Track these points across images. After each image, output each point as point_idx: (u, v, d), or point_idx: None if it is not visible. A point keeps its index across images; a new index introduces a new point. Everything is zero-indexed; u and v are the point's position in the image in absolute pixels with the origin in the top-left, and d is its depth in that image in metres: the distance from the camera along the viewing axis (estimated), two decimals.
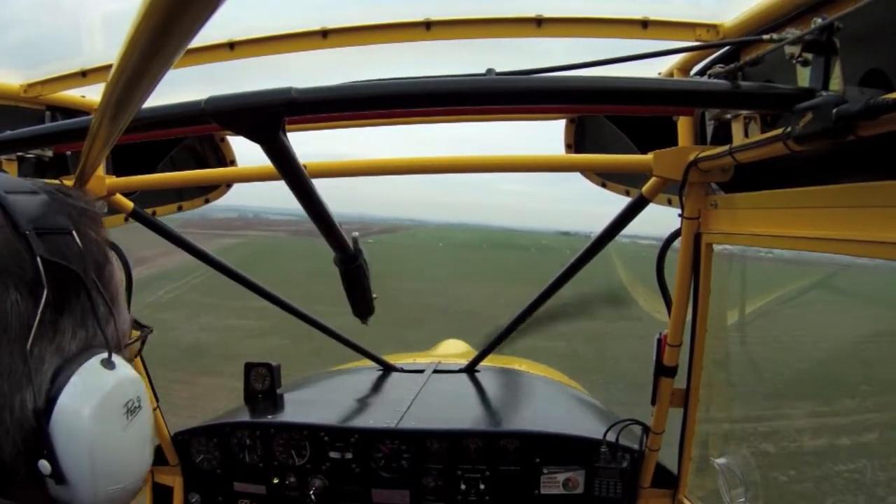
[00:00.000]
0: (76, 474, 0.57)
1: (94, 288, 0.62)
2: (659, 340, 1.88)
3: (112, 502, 0.61)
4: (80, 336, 0.61)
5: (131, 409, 0.63)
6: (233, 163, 2.26)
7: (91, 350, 0.61)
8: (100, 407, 0.59)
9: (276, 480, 2.19)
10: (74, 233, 0.62)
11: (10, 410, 0.55)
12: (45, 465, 0.56)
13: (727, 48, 1.42)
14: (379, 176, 1.87)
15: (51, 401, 0.57)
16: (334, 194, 1.57)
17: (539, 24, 1.51)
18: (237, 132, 1.12)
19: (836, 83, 0.98)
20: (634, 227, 1.97)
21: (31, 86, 1.73)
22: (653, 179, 1.72)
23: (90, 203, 0.68)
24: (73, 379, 0.58)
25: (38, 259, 0.56)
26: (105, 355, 0.62)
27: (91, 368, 0.60)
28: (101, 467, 0.59)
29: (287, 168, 1.23)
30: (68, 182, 1.34)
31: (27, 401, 0.56)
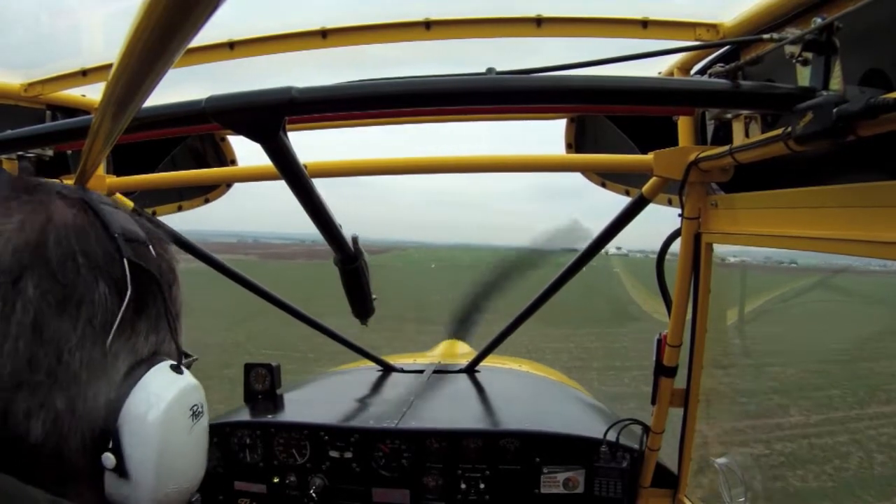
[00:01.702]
0: (140, 471, 0.59)
1: (169, 299, 0.65)
2: (659, 341, 1.88)
3: (168, 502, 0.63)
4: (152, 340, 0.63)
5: (196, 414, 0.66)
6: (233, 162, 2.26)
7: (160, 356, 0.64)
8: (170, 407, 0.61)
9: (276, 480, 2.20)
10: (150, 247, 0.65)
11: (83, 402, 0.56)
12: (109, 458, 0.58)
13: (727, 48, 1.42)
14: (379, 176, 1.87)
15: (122, 397, 0.59)
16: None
17: (539, 24, 1.51)
18: (237, 131, 1.12)
19: (836, 83, 0.98)
20: (651, 243, 1.95)
21: (31, 85, 1.73)
22: (653, 179, 1.72)
23: (159, 228, 0.71)
24: (145, 378, 0.61)
25: (125, 261, 0.60)
26: (173, 361, 0.65)
27: (162, 371, 0.63)
28: (165, 466, 0.61)
29: (287, 168, 1.23)
30: (68, 181, 1.34)
31: (100, 394, 0.58)
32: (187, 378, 0.65)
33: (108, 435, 0.58)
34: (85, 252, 0.58)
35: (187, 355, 0.72)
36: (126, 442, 0.58)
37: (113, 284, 0.58)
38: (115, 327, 0.58)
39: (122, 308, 0.58)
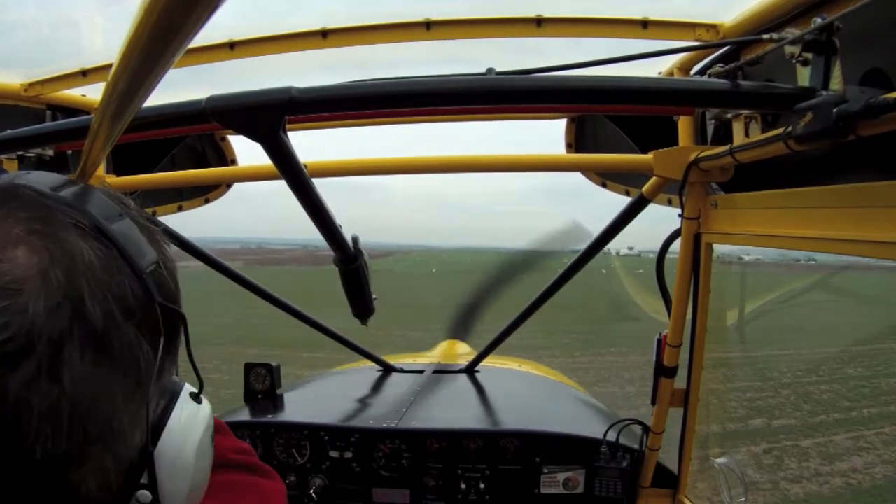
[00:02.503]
0: (172, 499, 0.59)
1: (188, 330, 0.63)
2: (659, 341, 1.88)
3: None
4: (173, 371, 0.63)
5: (212, 436, 0.66)
6: (233, 162, 2.26)
7: (178, 383, 0.64)
8: (200, 437, 0.62)
9: None
10: (160, 263, 0.59)
11: (126, 448, 0.55)
12: (145, 494, 0.57)
13: (727, 48, 1.42)
14: (379, 175, 1.87)
15: (156, 435, 0.58)
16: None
17: (539, 24, 1.51)
18: (238, 131, 1.12)
19: (836, 83, 0.98)
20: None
21: (31, 85, 1.73)
22: (653, 179, 1.72)
23: (146, 214, 0.66)
24: (174, 412, 0.60)
25: (157, 306, 0.55)
26: (193, 389, 0.64)
27: (186, 402, 0.62)
28: (195, 492, 0.62)
29: (287, 167, 1.23)
30: None
31: (137, 436, 0.56)
32: (205, 405, 0.66)
33: (142, 471, 0.57)
34: (120, 304, 0.52)
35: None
36: (161, 477, 0.58)
37: (149, 333, 0.55)
38: (154, 378, 0.55)
39: (159, 358, 0.55)
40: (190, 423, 0.61)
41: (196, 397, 0.64)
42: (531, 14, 1.51)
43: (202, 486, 0.65)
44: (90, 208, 0.55)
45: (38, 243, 0.49)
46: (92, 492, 0.53)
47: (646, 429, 2.04)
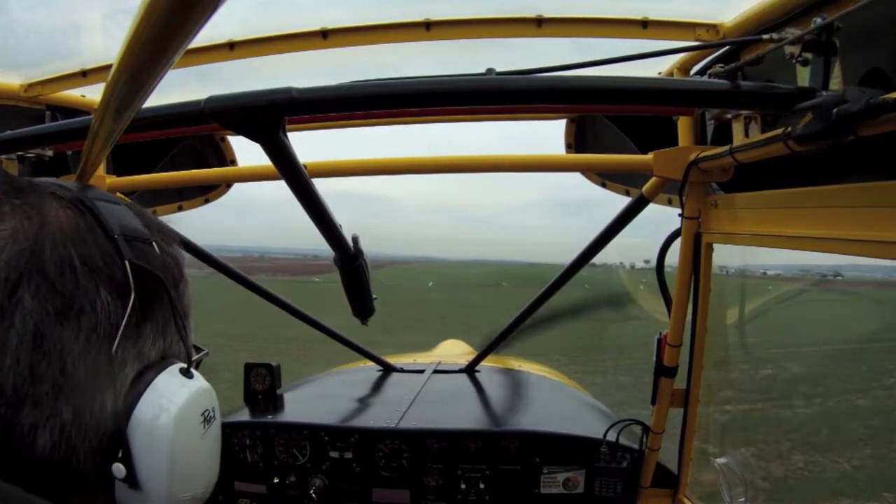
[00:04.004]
0: (151, 479, 0.57)
1: (175, 298, 0.63)
2: (659, 340, 1.88)
3: None
4: (159, 345, 0.61)
5: (207, 419, 0.64)
6: (233, 162, 2.26)
7: (169, 359, 0.62)
8: (180, 413, 0.60)
9: (276, 480, 2.20)
10: (154, 244, 0.63)
11: (90, 412, 0.55)
12: (119, 468, 0.56)
13: (727, 48, 1.42)
14: (379, 175, 1.87)
15: (130, 404, 0.57)
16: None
17: (539, 24, 1.51)
18: (237, 132, 1.12)
19: (836, 83, 0.98)
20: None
21: (31, 85, 1.73)
22: (653, 179, 1.72)
23: (163, 222, 0.69)
24: (153, 384, 0.59)
25: (127, 263, 0.57)
26: (183, 365, 0.63)
27: (171, 375, 0.61)
28: (177, 474, 0.59)
29: (287, 168, 1.23)
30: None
31: (107, 403, 0.56)
32: (198, 382, 0.64)
33: (117, 444, 0.56)
34: (83, 257, 0.56)
35: (198, 349, 0.71)
36: (136, 451, 0.57)
37: (115, 289, 0.56)
38: (119, 334, 0.56)
39: (126, 314, 0.56)
40: (171, 397, 0.59)
41: (186, 372, 0.62)
42: (531, 14, 1.51)
43: (194, 473, 0.62)
44: (77, 190, 0.61)
45: (19, 211, 0.56)
46: (51, 450, 0.53)
47: (646, 429, 2.04)
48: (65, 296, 0.54)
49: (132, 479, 0.57)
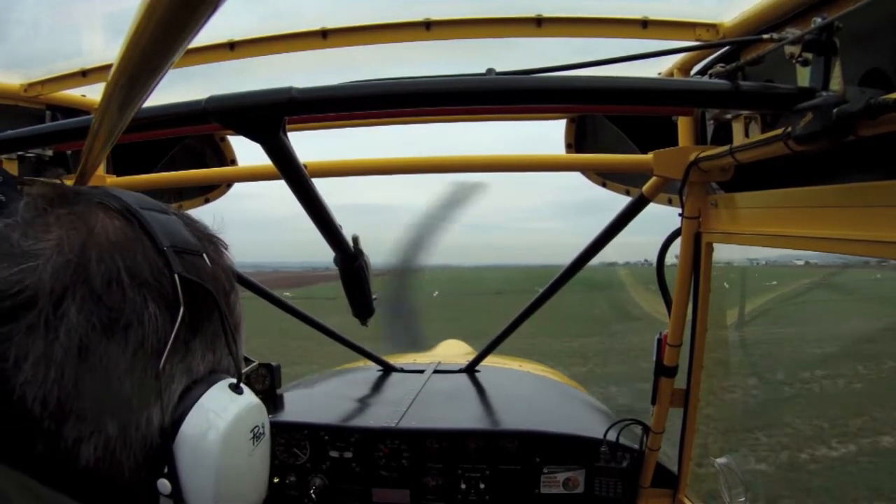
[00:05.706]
0: (197, 496, 0.56)
1: (226, 311, 0.62)
2: (659, 340, 1.88)
3: None
4: (209, 359, 0.60)
5: (257, 436, 0.62)
6: (233, 162, 2.26)
7: (218, 374, 0.61)
8: (229, 430, 0.58)
9: (276, 480, 2.20)
10: (205, 255, 0.62)
11: (136, 426, 0.54)
12: (164, 484, 0.55)
13: (727, 48, 1.42)
14: (379, 175, 1.87)
15: (177, 420, 0.56)
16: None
17: (539, 24, 1.51)
18: (238, 131, 1.12)
19: (836, 83, 0.98)
20: None
21: (31, 85, 1.73)
22: (653, 179, 1.72)
23: (214, 232, 0.68)
24: (201, 400, 0.58)
25: (176, 276, 0.56)
26: (233, 380, 0.61)
27: (220, 391, 0.60)
28: (224, 491, 0.58)
29: (287, 167, 1.23)
30: (69, 181, 1.34)
31: (154, 418, 0.55)
32: (248, 397, 0.62)
33: (163, 460, 0.55)
34: (130, 269, 0.54)
35: (248, 361, 0.70)
36: (182, 467, 0.56)
37: (163, 303, 0.55)
38: (167, 349, 0.54)
39: (175, 328, 0.55)
40: (220, 413, 0.58)
41: (235, 387, 0.61)
42: (531, 14, 1.51)
43: (241, 490, 0.61)
44: (126, 198, 0.60)
45: (65, 221, 0.55)
46: (95, 464, 0.52)
47: (646, 429, 2.04)
48: (111, 309, 0.52)
49: (177, 496, 0.56)
